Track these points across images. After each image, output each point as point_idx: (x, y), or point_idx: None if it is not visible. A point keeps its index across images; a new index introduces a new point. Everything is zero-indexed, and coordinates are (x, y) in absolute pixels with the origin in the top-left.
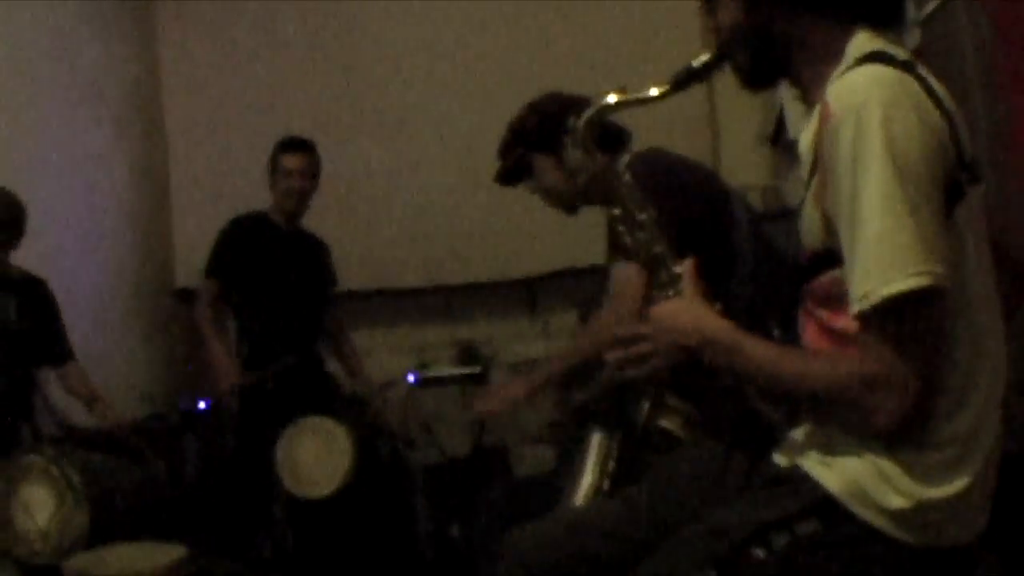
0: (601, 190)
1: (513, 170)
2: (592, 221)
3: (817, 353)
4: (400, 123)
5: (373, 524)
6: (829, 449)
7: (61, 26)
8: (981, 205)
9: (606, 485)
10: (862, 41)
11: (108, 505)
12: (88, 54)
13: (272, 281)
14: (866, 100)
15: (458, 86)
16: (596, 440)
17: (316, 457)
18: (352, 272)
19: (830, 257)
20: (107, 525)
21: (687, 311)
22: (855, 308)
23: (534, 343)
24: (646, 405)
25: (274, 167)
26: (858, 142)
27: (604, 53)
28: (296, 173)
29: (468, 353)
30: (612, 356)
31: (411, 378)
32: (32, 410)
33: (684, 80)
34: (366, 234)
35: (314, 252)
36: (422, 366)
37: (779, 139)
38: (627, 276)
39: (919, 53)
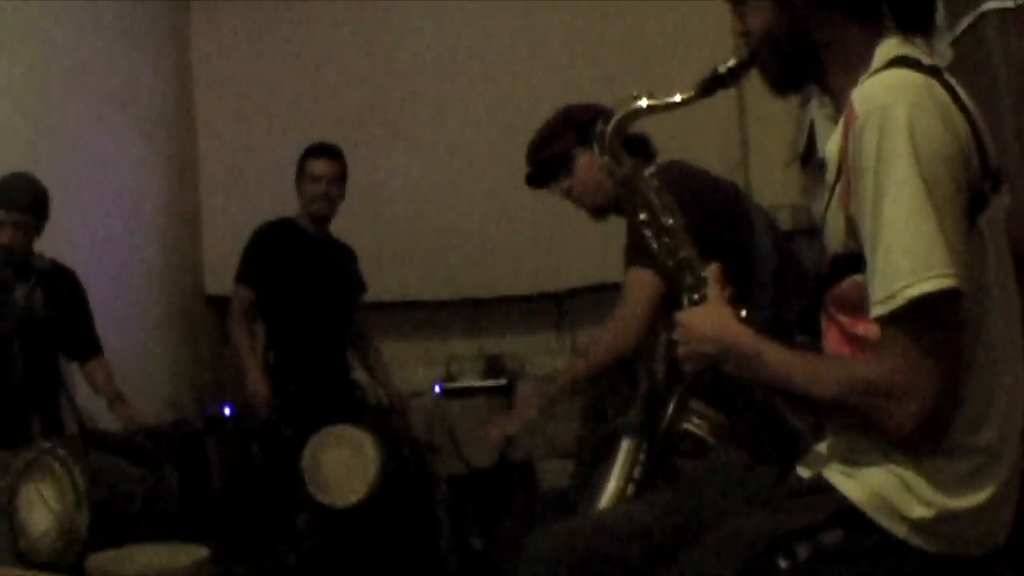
0: (628, 194)
1: (550, 165)
2: (619, 238)
3: (836, 359)
4: (431, 134)
5: (396, 534)
6: (852, 459)
7: (96, 32)
8: (1004, 216)
9: (631, 491)
10: (890, 47)
11: (113, 510)
12: (122, 61)
13: (300, 287)
14: (891, 103)
15: (489, 98)
16: (625, 446)
17: (342, 466)
18: (380, 283)
19: (852, 262)
20: (111, 529)
21: (710, 318)
22: (876, 311)
23: (560, 357)
24: (671, 408)
25: (301, 172)
26: (882, 144)
27: (632, 64)
28: (323, 178)
29: (495, 366)
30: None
31: (437, 389)
32: (50, 404)
33: (711, 85)
34: (395, 245)
35: (342, 259)
36: (448, 378)
37: (809, 158)
38: (639, 280)
39: (951, 71)
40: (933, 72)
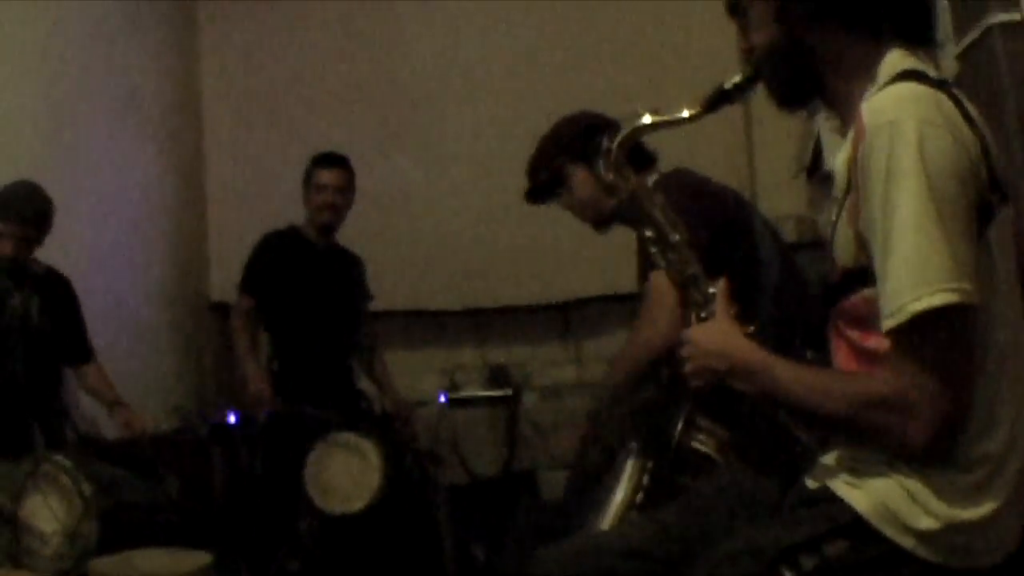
0: (634, 211)
1: (546, 183)
2: (626, 248)
3: (846, 374)
4: (438, 143)
5: (399, 542)
6: (858, 471)
7: (104, 37)
8: (1010, 227)
9: (639, 500)
10: (895, 59)
11: (118, 518)
12: (130, 66)
13: (304, 296)
14: (900, 117)
15: (496, 108)
16: (629, 466)
17: (346, 473)
18: (386, 292)
19: (861, 276)
20: (115, 538)
21: (717, 334)
22: (886, 324)
23: (566, 368)
24: (679, 425)
25: (308, 181)
26: (892, 158)
27: (640, 75)
28: (330, 188)
29: (500, 376)
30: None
31: (441, 398)
32: (51, 413)
33: (717, 101)
34: (401, 254)
35: (348, 268)
36: (453, 387)
37: (815, 170)
38: (666, 286)
39: (957, 83)
40: (941, 85)
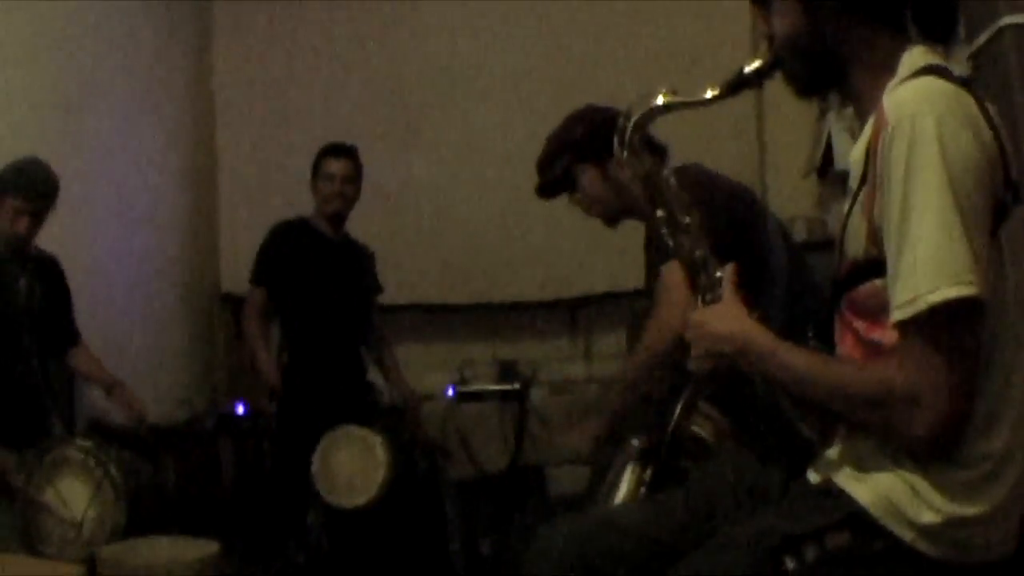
0: (646, 192)
1: (556, 182)
2: (635, 245)
3: (854, 362)
4: (449, 138)
5: (406, 535)
6: (862, 464)
7: (119, 31)
8: (1022, 227)
9: (643, 493)
10: (917, 55)
11: (139, 502)
12: (145, 59)
13: (314, 288)
14: (922, 110)
15: (508, 102)
16: (631, 467)
17: (352, 466)
18: (396, 286)
19: (871, 267)
20: (138, 523)
21: (725, 317)
22: (897, 315)
23: (574, 364)
24: (677, 409)
25: (316, 172)
26: (912, 151)
27: (654, 66)
28: (338, 177)
29: (508, 372)
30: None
31: (450, 393)
32: (61, 397)
33: (736, 86)
34: (411, 248)
35: (357, 259)
36: (462, 382)
37: (826, 170)
38: (678, 279)
39: None
40: (963, 83)
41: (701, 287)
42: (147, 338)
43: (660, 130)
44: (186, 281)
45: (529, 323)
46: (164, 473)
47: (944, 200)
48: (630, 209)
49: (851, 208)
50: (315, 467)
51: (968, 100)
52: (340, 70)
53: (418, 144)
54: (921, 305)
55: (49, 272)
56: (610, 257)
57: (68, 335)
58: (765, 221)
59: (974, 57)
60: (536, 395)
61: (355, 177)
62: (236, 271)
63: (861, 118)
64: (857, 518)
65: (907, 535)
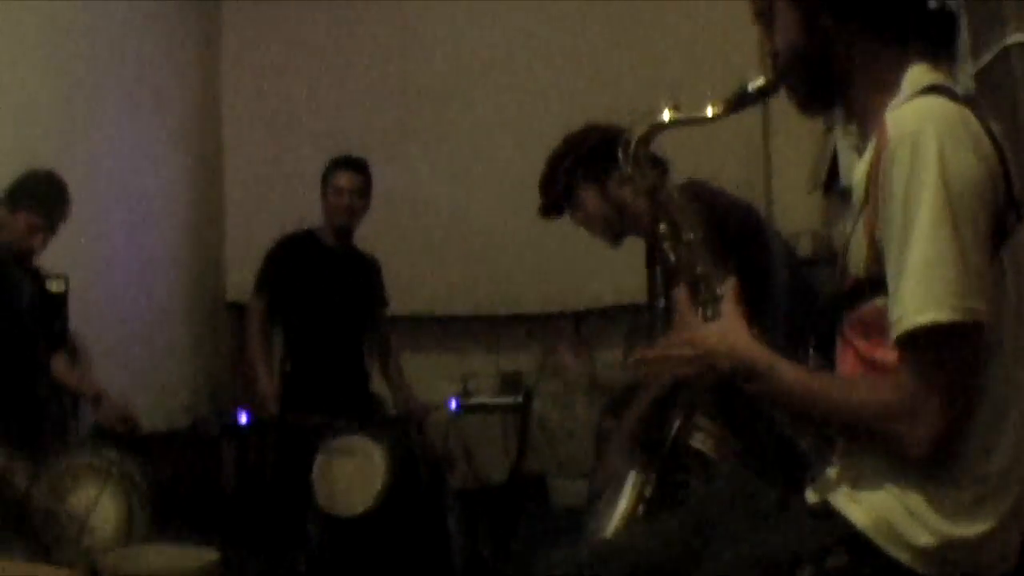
0: (649, 206)
1: (557, 202)
2: (640, 258)
3: (851, 379)
4: (454, 149)
5: (407, 545)
6: (858, 485)
7: (127, 38)
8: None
9: (641, 511)
10: (919, 73)
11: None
12: (152, 68)
13: (318, 299)
14: (924, 129)
15: (513, 114)
16: (632, 477)
17: (351, 476)
18: (400, 296)
19: (873, 286)
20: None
21: (725, 333)
22: (893, 333)
23: (578, 377)
24: (676, 423)
25: (325, 184)
26: (913, 171)
27: (660, 77)
28: (346, 191)
29: (512, 383)
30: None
31: (453, 404)
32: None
33: (739, 103)
34: (415, 259)
35: (363, 271)
36: (465, 394)
37: (832, 186)
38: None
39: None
40: (967, 101)
41: (702, 302)
42: (152, 344)
43: (666, 143)
44: (191, 288)
45: (533, 335)
46: (165, 479)
47: (942, 222)
48: (632, 226)
49: (854, 227)
50: (315, 476)
51: (971, 119)
52: (347, 79)
53: (424, 155)
54: (908, 325)
55: (39, 281)
56: (614, 270)
57: (51, 340)
58: (768, 237)
59: (980, 75)
60: (538, 407)
61: (364, 190)
62: (241, 279)
63: (864, 135)
64: (855, 539)
65: (904, 557)
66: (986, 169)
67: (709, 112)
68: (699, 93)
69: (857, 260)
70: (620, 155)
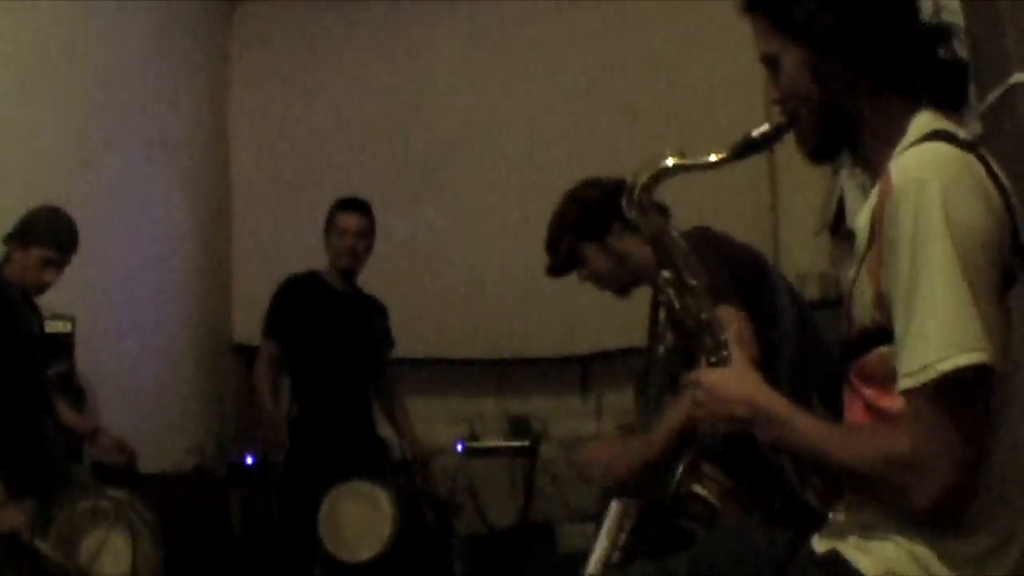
0: (654, 252)
1: (563, 262)
2: (648, 302)
3: (863, 429)
4: (463, 191)
5: None
6: (867, 534)
7: (136, 80)
8: None
9: (616, 556)
10: (925, 120)
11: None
12: (161, 110)
13: (325, 342)
14: (928, 177)
15: (521, 157)
16: (612, 509)
17: (358, 521)
18: (408, 339)
19: (878, 335)
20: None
21: (739, 380)
22: (904, 383)
23: (585, 421)
24: (680, 469)
25: (330, 226)
26: (919, 219)
27: (667, 125)
28: (350, 232)
29: (519, 427)
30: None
31: (459, 448)
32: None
33: (744, 149)
34: (423, 302)
35: (369, 313)
36: (472, 437)
37: (839, 228)
38: (727, 315)
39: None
40: (970, 147)
41: (707, 349)
42: (158, 386)
43: (674, 184)
44: (198, 331)
45: (540, 379)
46: (170, 521)
47: (952, 268)
48: (637, 277)
49: (857, 274)
50: (321, 520)
51: (976, 165)
52: (355, 124)
53: (431, 198)
54: (932, 374)
55: (38, 317)
56: (621, 313)
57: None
58: (774, 282)
59: (986, 115)
60: (546, 451)
61: (368, 232)
62: (248, 321)
63: (872, 181)
64: None
65: None
66: (991, 215)
67: (713, 158)
68: (704, 145)
69: (862, 308)
70: (624, 201)
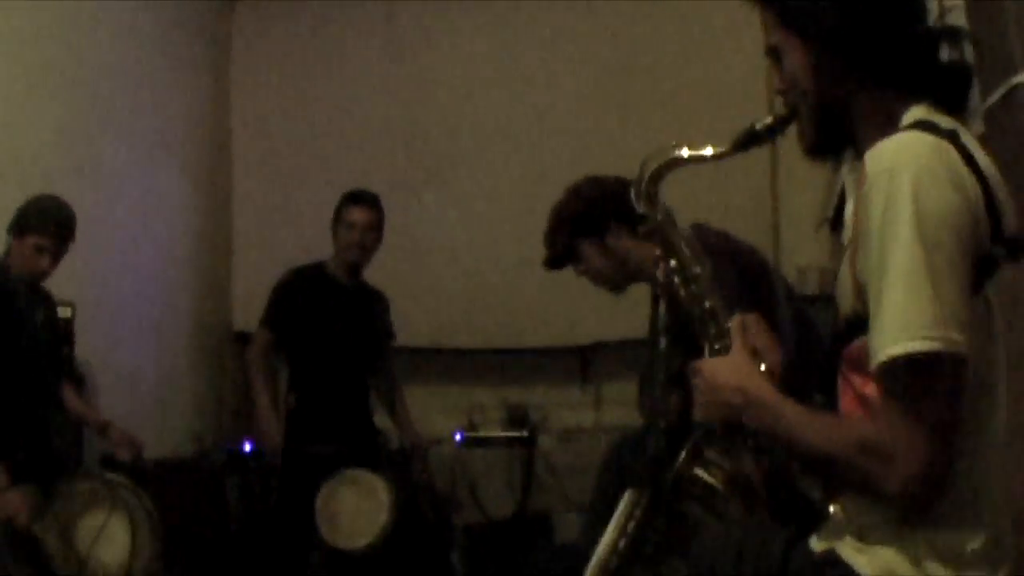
0: (659, 242)
1: (560, 256)
2: (647, 293)
3: (841, 417)
4: (465, 183)
5: None
6: (864, 534)
7: (138, 73)
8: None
9: (623, 545)
10: (915, 112)
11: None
12: (163, 103)
13: (325, 333)
14: (898, 165)
15: (524, 149)
16: (625, 498)
17: (355, 509)
18: (407, 329)
19: (860, 323)
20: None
21: (735, 368)
22: (871, 368)
23: (584, 412)
24: (683, 454)
25: (338, 219)
26: (888, 206)
27: (667, 120)
28: (359, 226)
29: (517, 417)
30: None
31: (457, 437)
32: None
33: (747, 141)
34: (423, 292)
35: (370, 305)
36: (470, 427)
37: (839, 222)
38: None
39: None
40: (948, 135)
41: (710, 337)
42: (157, 374)
43: (676, 177)
44: (198, 318)
45: (539, 369)
46: (169, 508)
47: (916, 257)
48: (634, 274)
49: (841, 265)
50: (318, 509)
51: (950, 151)
52: (357, 115)
53: (431, 189)
54: (882, 357)
55: (50, 306)
56: (622, 305)
57: (60, 370)
58: (772, 279)
59: (989, 114)
60: (544, 442)
61: (377, 226)
62: (248, 309)
63: None
64: None
65: None
66: (964, 201)
67: (715, 151)
68: (707, 139)
69: (844, 298)
70: (632, 191)
